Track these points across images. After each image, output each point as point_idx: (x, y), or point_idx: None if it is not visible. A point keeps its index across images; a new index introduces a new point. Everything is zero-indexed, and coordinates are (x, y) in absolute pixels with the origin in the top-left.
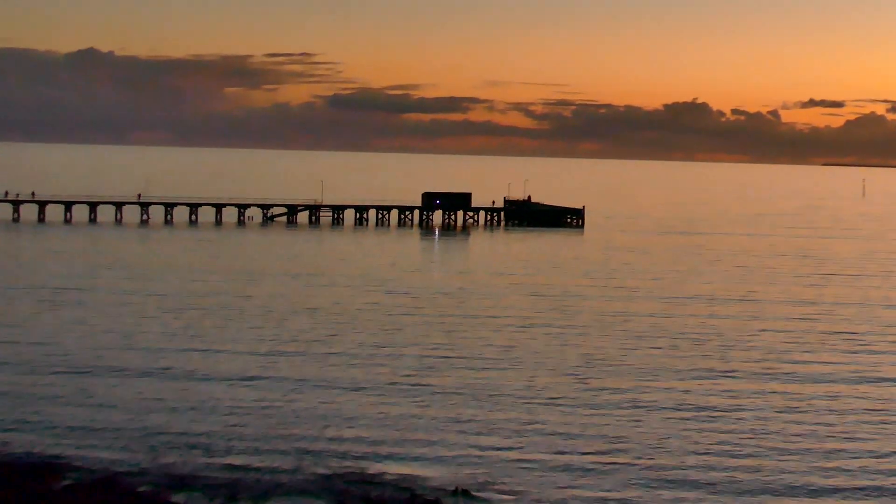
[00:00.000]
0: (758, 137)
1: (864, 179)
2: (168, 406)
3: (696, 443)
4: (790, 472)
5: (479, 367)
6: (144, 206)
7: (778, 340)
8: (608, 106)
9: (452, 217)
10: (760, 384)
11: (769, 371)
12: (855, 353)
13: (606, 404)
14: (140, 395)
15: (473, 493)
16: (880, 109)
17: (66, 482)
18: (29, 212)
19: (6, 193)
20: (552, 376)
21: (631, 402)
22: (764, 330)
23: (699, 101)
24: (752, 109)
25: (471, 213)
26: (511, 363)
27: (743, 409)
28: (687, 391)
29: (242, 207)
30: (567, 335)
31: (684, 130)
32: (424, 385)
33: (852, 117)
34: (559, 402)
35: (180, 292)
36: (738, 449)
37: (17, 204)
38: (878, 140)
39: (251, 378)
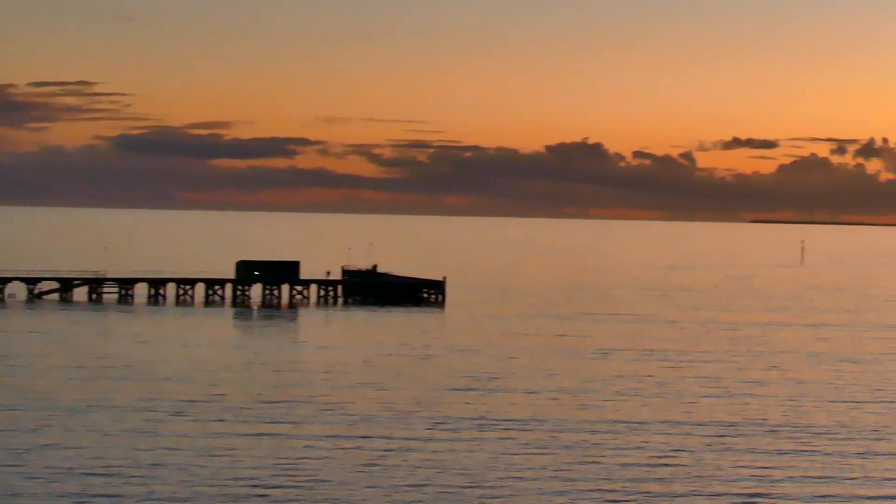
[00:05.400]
0: (668, 187)
1: (802, 241)
2: None
3: None
4: None
5: None
6: None
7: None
8: (475, 148)
9: (276, 292)
10: None
11: None
12: None
13: None
14: None
15: None
16: (823, 150)
17: None
18: None
19: None
20: None
21: None
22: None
23: (591, 140)
24: (659, 151)
25: (299, 288)
26: None
27: None
28: None
29: (1, 282)
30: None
31: (575, 178)
32: None
33: (788, 160)
34: None
35: None
36: None
37: None
38: (822, 189)
39: None
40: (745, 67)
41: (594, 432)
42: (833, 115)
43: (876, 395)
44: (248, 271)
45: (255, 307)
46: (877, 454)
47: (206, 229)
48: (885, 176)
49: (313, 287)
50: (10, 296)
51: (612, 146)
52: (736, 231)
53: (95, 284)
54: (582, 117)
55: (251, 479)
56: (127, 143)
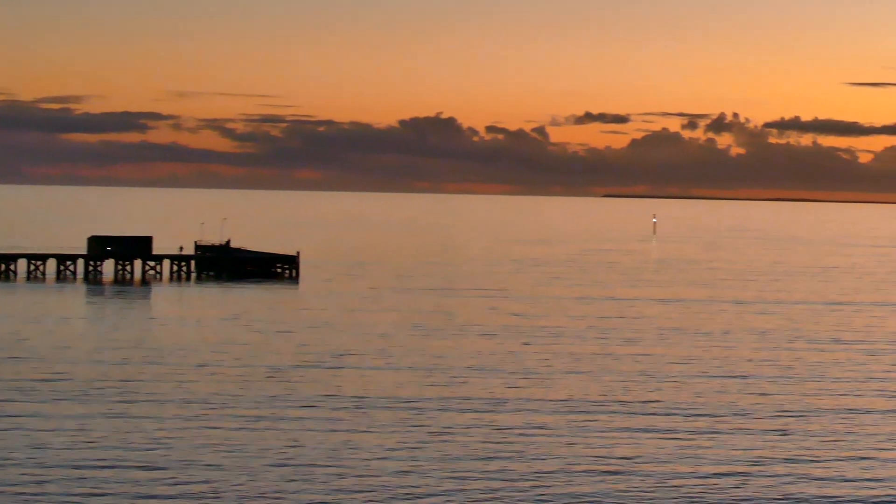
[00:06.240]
0: (521, 161)
1: (654, 215)
2: None
3: None
4: None
5: None
6: None
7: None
8: (329, 123)
9: (128, 268)
10: None
11: None
12: None
13: None
14: None
15: None
16: (674, 125)
17: None
18: None
19: None
20: None
21: None
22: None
23: (444, 115)
24: (512, 126)
25: (152, 263)
26: None
27: None
28: None
29: None
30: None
31: (428, 153)
32: None
33: (639, 135)
34: None
35: None
36: None
37: None
38: (673, 163)
39: None
40: (597, 43)
41: (448, 409)
42: (684, 90)
43: (726, 369)
44: (101, 247)
45: (107, 284)
46: (727, 432)
47: (57, 204)
48: (736, 150)
49: (166, 262)
50: None
51: (465, 121)
52: (588, 205)
53: None
54: (435, 92)
55: (102, 459)
56: None
